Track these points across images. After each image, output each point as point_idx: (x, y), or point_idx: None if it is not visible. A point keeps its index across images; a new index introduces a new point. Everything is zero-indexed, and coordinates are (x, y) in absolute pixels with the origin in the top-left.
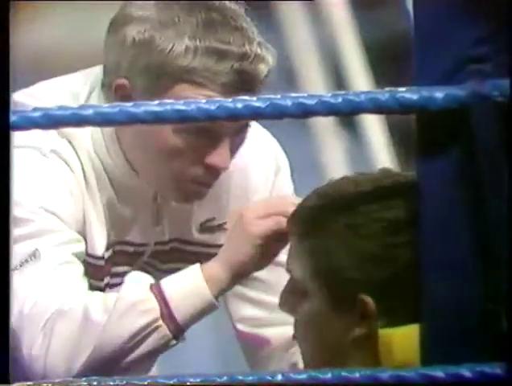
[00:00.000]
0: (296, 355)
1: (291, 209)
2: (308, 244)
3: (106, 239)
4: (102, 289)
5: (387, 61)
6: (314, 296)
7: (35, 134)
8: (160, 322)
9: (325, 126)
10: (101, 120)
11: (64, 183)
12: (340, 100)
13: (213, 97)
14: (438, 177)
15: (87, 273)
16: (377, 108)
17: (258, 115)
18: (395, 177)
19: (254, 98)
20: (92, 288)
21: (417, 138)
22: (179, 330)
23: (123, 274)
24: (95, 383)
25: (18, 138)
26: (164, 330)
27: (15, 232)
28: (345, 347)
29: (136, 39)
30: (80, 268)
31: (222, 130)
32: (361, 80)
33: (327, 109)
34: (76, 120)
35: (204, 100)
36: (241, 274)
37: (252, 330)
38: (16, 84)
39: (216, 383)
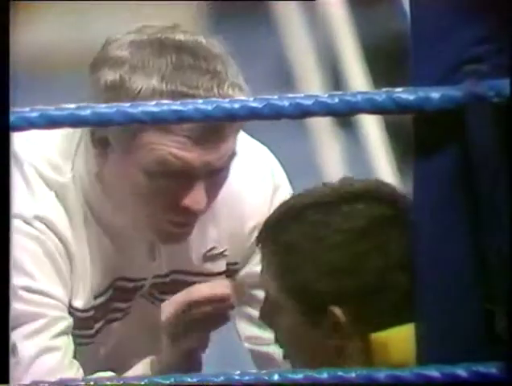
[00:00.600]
0: None
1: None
2: (276, 259)
3: (90, 291)
4: (93, 336)
5: (384, 61)
6: (287, 310)
7: (20, 198)
8: None
9: (322, 127)
10: (98, 120)
11: (47, 255)
12: (337, 100)
13: (181, 143)
14: (434, 176)
15: (75, 327)
16: (374, 108)
17: (254, 115)
18: (354, 185)
19: (251, 98)
20: (81, 337)
21: (414, 138)
22: None
23: (124, 310)
24: (92, 383)
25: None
26: None
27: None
28: (329, 357)
29: (108, 82)
30: (64, 348)
31: (194, 172)
32: (357, 80)
33: (324, 110)
34: (74, 120)
35: (201, 101)
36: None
37: (257, 348)
38: (16, 84)
39: (213, 383)
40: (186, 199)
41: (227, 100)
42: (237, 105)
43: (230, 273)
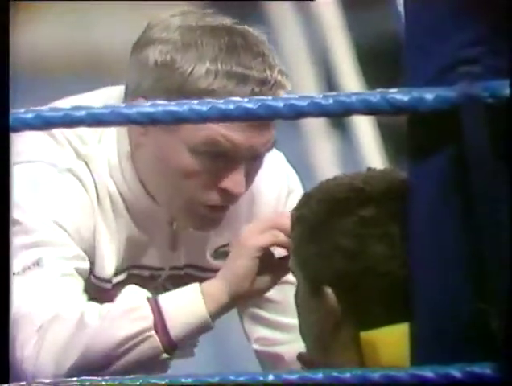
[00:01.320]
0: None
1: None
2: (293, 232)
3: (116, 263)
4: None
5: (378, 62)
6: (299, 286)
7: (53, 153)
8: (152, 332)
9: (316, 127)
10: (93, 121)
11: (76, 201)
12: (331, 101)
13: (232, 124)
14: (429, 177)
15: (90, 294)
16: (368, 109)
17: (249, 116)
18: (371, 176)
19: (246, 99)
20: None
21: (407, 139)
22: (171, 344)
23: None
24: (87, 383)
25: (34, 153)
26: (155, 341)
27: (22, 239)
28: (329, 341)
29: (158, 61)
30: (81, 284)
31: (239, 155)
32: (351, 81)
33: (318, 111)
34: (69, 121)
35: (195, 101)
36: (239, 291)
37: (266, 349)
38: (16, 84)
39: (208, 383)
40: (226, 181)
41: (222, 100)
42: (231, 106)
43: None
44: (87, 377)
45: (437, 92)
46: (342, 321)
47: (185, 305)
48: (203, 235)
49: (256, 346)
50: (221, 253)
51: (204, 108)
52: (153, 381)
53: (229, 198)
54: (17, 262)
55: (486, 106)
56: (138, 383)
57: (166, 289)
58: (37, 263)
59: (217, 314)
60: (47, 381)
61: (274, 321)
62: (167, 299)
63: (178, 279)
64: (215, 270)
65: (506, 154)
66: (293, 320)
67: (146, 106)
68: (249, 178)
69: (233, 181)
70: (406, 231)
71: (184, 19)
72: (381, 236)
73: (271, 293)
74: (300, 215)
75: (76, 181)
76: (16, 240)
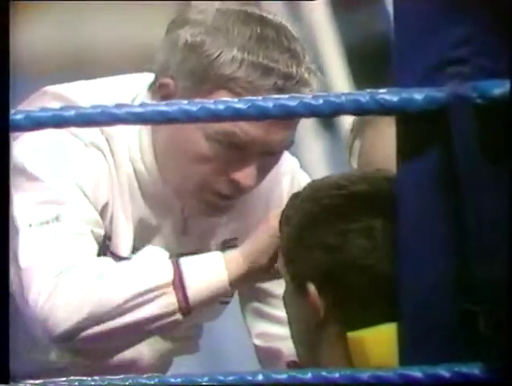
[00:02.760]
0: None
1: None
2: (282, 235)
3: (132, 242)
4: None
5: (368, 62)
6: (286, 283)
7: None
8: (170, 288)
9: (306, 127)
10: (82, 121)
11: (98, 171)
12: (321, 101)
13: None
14: (417, 178)
15: None
16: (357, 109)
17: (239, 116)
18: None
19: (236, 99)
20: None
21: (397, 140)
22: (186, 305)
23: None
24: (76, 383)
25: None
26: (172, 297)
27: (43, 194)
28: (314, 337)
29: (188, 41)
30: (96, 247)
31: (253, 149)
32: (341, 81)
33: (308, 111)
34: (58, 121)
35: (185, 102)
36: (257, 264)
37: (267, 344)
38: (16, 84)
39: (197, 384)
40: (238, 173)
41: (212, 100)
42: (221, 106)
43: None
44: (76, 378)
45: (426, 93)
46: (327, 317)
47: (205, 267)
48: (213, 225)
49: (257, 342)
50: (228, 247)
51: (194, 109)
52: (142, 381)
53: (239, 189)
54: (34, 215)
55: (475, 106)
56: (127, 383)
57: None
58: (56, 218)
59: (236, 282)
60: (47, 381)
61: (277, 316)
62: (188, 261)
63: None
64: None
65: (496, 155)
66: None
67: (135, 106)
68: (262, 173)
69: (245, 174)
70: (389, 225)
71: (222, 4)
72: (361, 229)
73: (274, 288)
74: (287, 215)
75: (99, 153)
76: (36, 195)
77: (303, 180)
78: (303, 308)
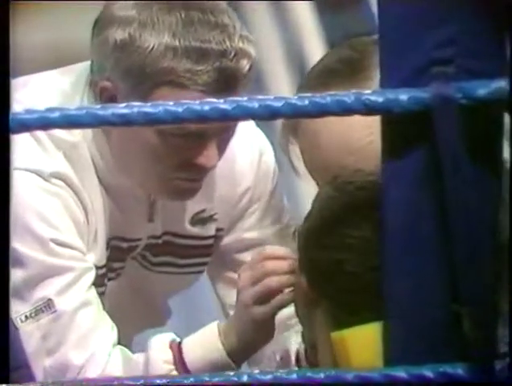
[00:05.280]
0: (289, 342)
1: (280, 264)
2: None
3: (106, 249)
4: (103, 293)
5: None
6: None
7: (35, 155)
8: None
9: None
10: (67, 123)
11: (68, 209)
12: (306, 102)
13: (196, 98)
14: (402, 178)
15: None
16: (343, 110)
17: (224, 117)
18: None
19: (222, 100)
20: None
21: (382, 140)
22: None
23: (118, 269)
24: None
25: (18, 161)
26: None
27: (26, 272)
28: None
29: (118, 41)
30: (96, 301)
31: (209, 131)
32: None
33: (293, 111)
34: (43, 123)
35: (171, 103)
36: (252, 343)
37: None
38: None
39: (182, 384)
40: (200, 158)
41: (197, 102)
42: (207, 107)
43: (218, 238)
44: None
45: (411, 93)
46: (316, 303)
47: (207, 355)
48: (180, 203)
49: (231, 312)
50: (199, 220)
51: (180, 110)
52: (128, 382)
53: (204, 171)
54: (25, 300)
55: (460, 107)
56: (114, 383)
57: (143, 257)
58: (47, 306)
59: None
60: (47, 381)
61: None
62: (189, 345)
63: (156, 247)
64: (192, 237)
65: (481, 156)
66: None
67: (121, 107)
68: (222, 148)
69: (206, 156)
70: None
71: None
72: (361, 237)
73: (245, 256)
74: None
75: (62, 183)
76: (20, 277)
77: (264, 143)
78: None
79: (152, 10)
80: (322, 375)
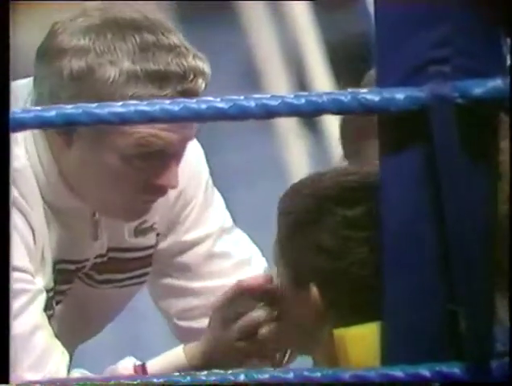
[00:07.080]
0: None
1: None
2: (279, 229)
3: (52, 273)
4: (51, 316)
5: (349, 62)
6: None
7: None
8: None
9: (288, 127)
10: (64, 121)
11: (17, 232)
12: (302, 101)
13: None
14: (400, 177)
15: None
16: (339, 109)
17: (221, 116)
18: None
19: (218, 99)
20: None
21: (379, 139)
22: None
23: (65, 292)
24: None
25: None
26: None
27: None
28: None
29: (74, 71)
30: (47, 324)
31: (172, 150)
32: (323, 81)
33: (290, 110)
34: (39, 122)
35: (168, 101)
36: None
37: (189, 324)
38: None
39: (179, 384)
40: (162, 179)
41: (194, 100)
42: (203, 106)
43: (157, 244)
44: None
45: (407, 93)
46: (323, 318)
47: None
48: None
49: (177, 322)
50: (141, 231)
51: (176, 108)
52: (124, 381)
53: (165, 192)
54: None
55: (456, 106)
56: (111, 382)
57: (90, 277)
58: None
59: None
60: (46, 381)
61: (190, 288)
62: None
63: (102, 265)
64: (137, 249)
65: (477, 153)
66: (204, 283)
67: (117, 106)
68: (179, 166)
69: (169, 177)
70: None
71: (87, 20)
72: (364, 238)
73: (184, 259)
74: (286, 209)
75: (13, 208)
76: None
77: (199, 154)
78: (300, 305)
79: (107, 38)
80: (319, 375)
